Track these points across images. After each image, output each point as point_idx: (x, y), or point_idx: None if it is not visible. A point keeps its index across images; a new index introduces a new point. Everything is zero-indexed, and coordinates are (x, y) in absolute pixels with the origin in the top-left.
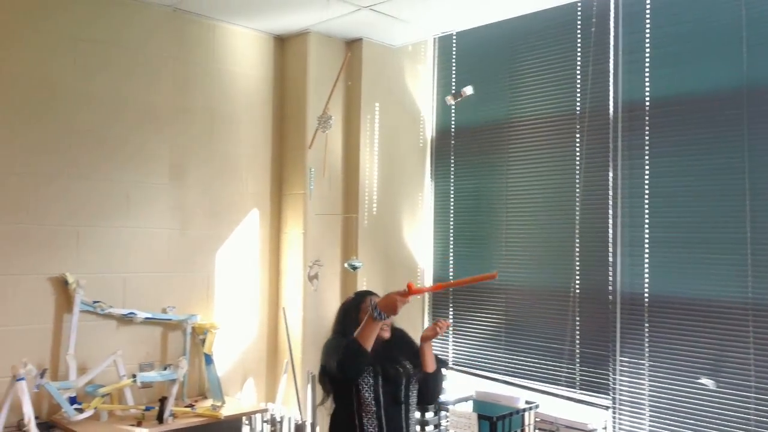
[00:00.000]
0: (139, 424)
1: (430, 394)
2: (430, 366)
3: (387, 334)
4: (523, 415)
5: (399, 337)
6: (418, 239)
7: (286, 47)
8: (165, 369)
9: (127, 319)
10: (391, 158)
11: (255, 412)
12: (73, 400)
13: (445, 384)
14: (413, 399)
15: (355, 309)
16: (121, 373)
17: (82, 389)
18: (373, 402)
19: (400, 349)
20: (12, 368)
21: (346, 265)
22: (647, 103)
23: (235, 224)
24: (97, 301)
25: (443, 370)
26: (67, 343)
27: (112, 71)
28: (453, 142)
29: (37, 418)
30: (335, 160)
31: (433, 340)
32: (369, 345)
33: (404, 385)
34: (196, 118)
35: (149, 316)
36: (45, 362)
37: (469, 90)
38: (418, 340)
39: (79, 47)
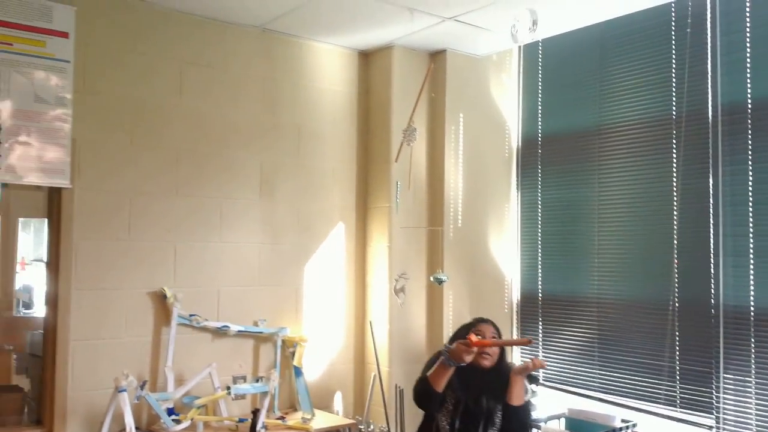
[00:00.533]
0: None
1: (512, 429)
2: (516, 399)
3: (487, 363)
4: None
5: (499, 372)
6: (505, 251)
7: (370, 61)
8: (257, 381)
9: (221, 332)
10: (476, 169)
11: (344, 426)
12: (171, 411)
13: (533, 414)
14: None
15: (463, 334)
16: (216, 385)
17: (180, 400)
18: (448, 429)
19: (494, 385)
20: (115, 380)
21: (431, 278)
22: (749, 105)
23: (322, 238)
24: (194, 315)
25: (532, 392)
26: (165, 355)
27: (208, 91)
28: (540, 151)
29: (137, 428)
30: (420, 173)
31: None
32: (439, 386)
33: (482, 424)
34: (284, 134)
35: (242, 329)
36: (145, 374)
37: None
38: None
39: (182, 69)
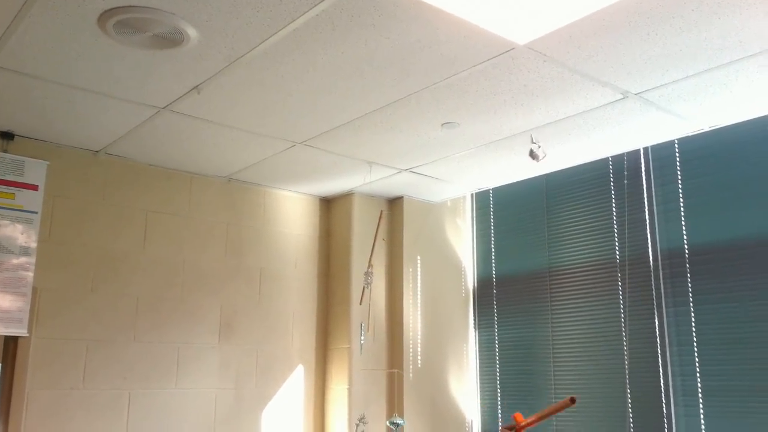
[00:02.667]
0: None
1: None
2: None
3: None
4: None
5: None
6: (465, 390)
7: (331, 207)
8: None
9: None
10: (435, 309)
11: None
12: None
13: None
14: None
15: None
16: None
17: None
18: None
19: None
20: None
21: (387, 423)
22: (687, 250)
23: (281, 381)
24: None
25: None
26: None
27: (172, 238)
28: (495, 291)
29: None
30: (379, 314)
31: None
32: None
33: None
34: (246, 277)
35: None
36: None
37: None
38: None
39: (147, 218)
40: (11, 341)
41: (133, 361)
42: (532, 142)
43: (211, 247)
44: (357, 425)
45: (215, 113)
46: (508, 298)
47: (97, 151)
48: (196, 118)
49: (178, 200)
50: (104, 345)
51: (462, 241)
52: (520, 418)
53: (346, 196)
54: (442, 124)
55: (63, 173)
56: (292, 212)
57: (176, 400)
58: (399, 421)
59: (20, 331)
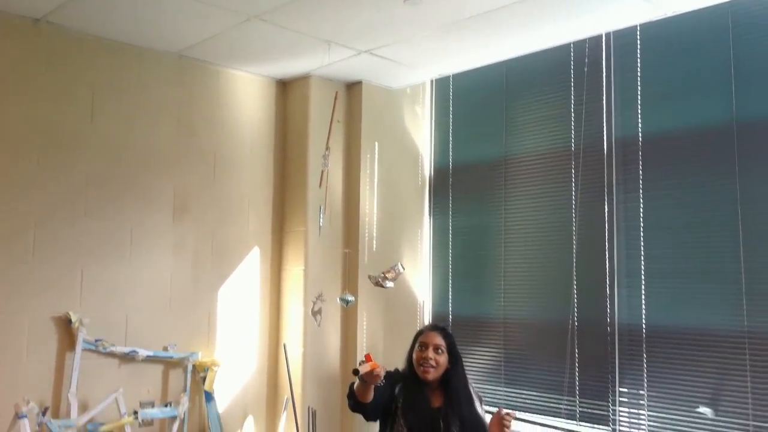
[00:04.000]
0: None
1: None
2: None
3: (429, 376)
4: None
5: (448, 385)
6: (418, 275)
7: (288, 90)
8: (166, 406)
9: (128, 357)
10: (391, 196)
11: None
12: None
13: None
14: None
15: (414, 338)
16: (123, 411)
17: (84, 427)
18: None
19: (455, 411)
20: (15, 406)
21: (338, 299)
22: (640, 139)
23: (237, 262)
24: (100, 340)
25: None
26: (69, 381)
27: (120, 116)
28: (451, 179)
29: None
30: (336, 198)
31: None
32: (365, 398)
33: None
34: (199, 160)
35: (151, 354)
36: (47, 400)
37: (399, 268)
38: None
39: (94, 93)
40: None
41: (85, 238)
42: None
43: (163, 127)
44: (314, 302)
45: None
46: (463, 187)
47: (37, 19)
48: None
49: (126, 76)
50: (53, 220)
51: (420, 129)
52: (370, 357)
53: (302, 79)
54: (405, 0)
55: (1, 41)
56: (247, 94)
57: (131, 277)
58: (349, 297)
59: None
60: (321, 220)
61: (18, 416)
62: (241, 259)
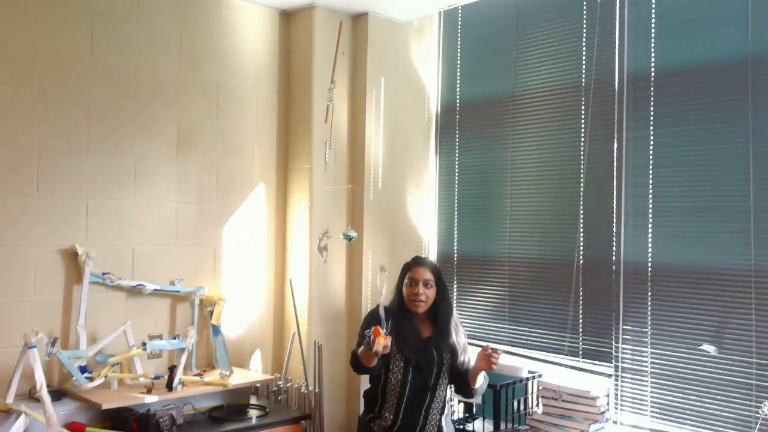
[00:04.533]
0: (148, 392)
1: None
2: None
3: (420, 309)
4: (526, 384)
5: (437, 315)
6: (423, 213)
7: (291, 22)
8: (174, 339)
9: (136, 291)
10: (397, 133)
11: (262, 382)
12: (83, 370)
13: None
14: (442, 389)
15: (402, 274)
16: (131, 343)
17: (93, 359)
18: (398, 386)
19: (443, 339)
20: (24, 336)
21: (341, 235)
22: (652, 74)
23: (242, 198)
24: (107, 273)
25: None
26: (77, 313)
27: (122, 46)
28: (458, 116)
29: (48, 386)
30: (341, 134)
31: None
32: (369, 363)
33: (433, 375)
34: (202, 93)
35: (158, 288)
36: (56, 332)
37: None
38: None
39: (94, 21)
40: None
41: (89, 172)
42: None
43: (165, 58)
44: (320, 239)
45: None
46: (470, 124)
47: None
48: None
49: (126, 3)
50: (56, 153)
51: (428, 64)
52: (378, 330)
53: (306, 10)
54: None
55: None
56: (250, 25)
57: (136, 211)
58: (351, 233)
59: None
60: (326, 155)
61: (28, 346)
62: (246, 195)
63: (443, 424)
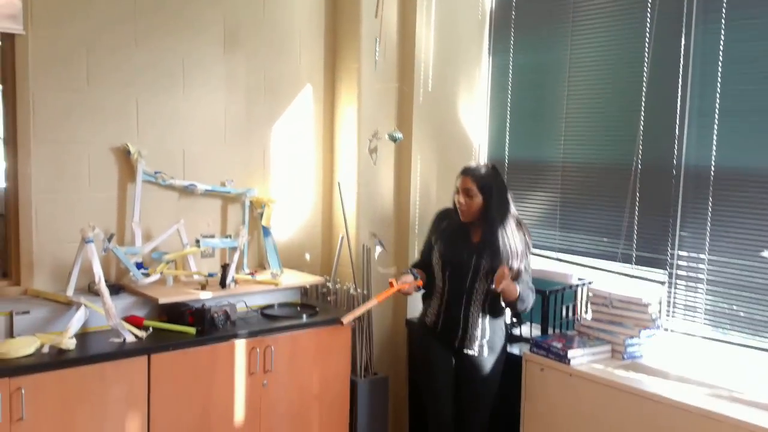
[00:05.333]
0: (202, 289)
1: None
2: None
3: (463, 218)
4: (575, 291)
5: (490, 241)
6: (474, 116)
7: None
8: (226, 238)
9: (188, 191)
10: (448, 32)
11: (312, 283)
12: (139, 266)
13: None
14: (479, 293)
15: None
16: (185, 242)
17: (148, 256)
18: (439, 289)
19: (489, 244)
20: (81, 231)
21: (386, 136)
22: None
23: (290, 99)
24: (159, 172)
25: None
26: (131, 211)
27: None
28: (514, 14)
29: (106, 281)
30: (390, 32)
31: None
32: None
33: (469, 278)
34: None
35: (209, 188)
36: (111, 229)
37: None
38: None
39: None
40: (7, 41)
41: (137, 67)
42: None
43: None
44: (371, 140)
45: None
46: (526, 21)
47: None
48: None
49: None
50: (104, 48)
51: None
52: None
53: None
54: None
55: None
56: None
57: (185, 110)
58: (397, 134)
59: (16, 27)
60: (377, 53)
61: (85, 241)
62: (293, 96)
63: (486, 325)
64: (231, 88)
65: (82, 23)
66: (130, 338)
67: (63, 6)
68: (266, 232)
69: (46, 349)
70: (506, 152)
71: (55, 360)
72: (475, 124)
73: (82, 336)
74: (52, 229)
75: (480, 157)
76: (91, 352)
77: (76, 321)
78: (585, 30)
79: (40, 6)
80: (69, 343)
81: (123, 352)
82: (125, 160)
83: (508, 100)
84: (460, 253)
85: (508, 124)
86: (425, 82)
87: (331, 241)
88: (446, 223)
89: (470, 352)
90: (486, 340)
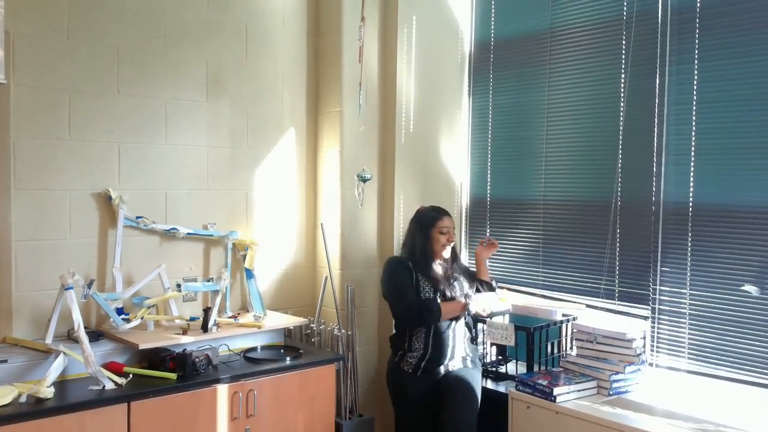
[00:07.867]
0: (184, 333)
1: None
2: (485, 275)
3: (447, 255)
4: (560, 327)
5: (456, 259)
6: (456, 156)
7: None
8: (208, 281)
9: (169, 235)
10: (429, 73)
11: (296, 324)
12: (120, 311)
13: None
14: (467, 317)
15: (429, 226)
16: (166, 286)
17: (129, 301)
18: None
19: (459, 270)
20: (61, 278)
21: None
22: (698, 5)
23: (273, 143)
24: (140, 217)
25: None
26: (112, 256)
27: None
28: (492, 55)
29: (85, 327)
30: (371, 76)
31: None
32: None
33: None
34: (232, 32)
35: (191, 231)
36: (92, 275)
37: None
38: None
39: None
40: None
41: (119, 114)
42: None
43: None
44: (357, 183)
45: None
46: (505, 63)
47: None
48: None
49: None
50: (87, 96)
51: (461, 1)
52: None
53: None
54: None
55: None
56: None
57: (167, 155)
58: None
59: None
60: (360, 98)
61: (64, 288)
62: (277, 139)
63: (467, 347)
64: (214, 132)
65: (65, 71)
66: (109, 385)
67: (45, 55)
68: (249, 274)
69: (23, 399)
70: (488, 190)
71: (33, 409)
72: (456, 164)
73: (61, 384)
74: (31, 276)
75: (462, 195)
76: (69, 400)
77: (55, 369)
78: (562, 71)
79: (22, 55)
80: (47, 391)
81: (102, 399)
82: (106, 205)
83: (489, 139)
84: (450, 282)
85: (489, 163)
86: (407, 123)
87: (315, 283)
88: (413, 265)
89: (456, 365)
90: (469, 356)
